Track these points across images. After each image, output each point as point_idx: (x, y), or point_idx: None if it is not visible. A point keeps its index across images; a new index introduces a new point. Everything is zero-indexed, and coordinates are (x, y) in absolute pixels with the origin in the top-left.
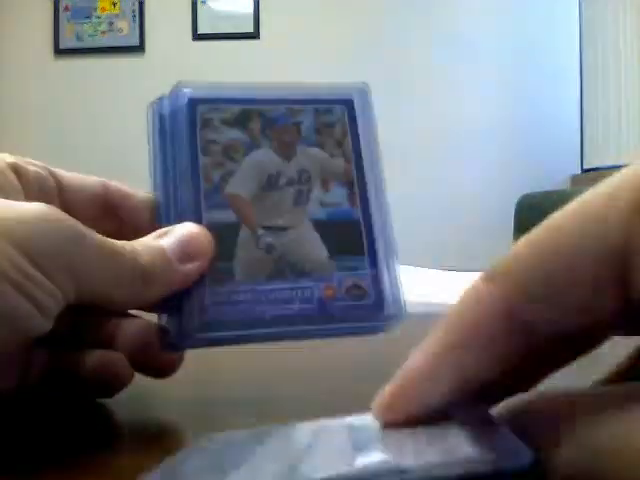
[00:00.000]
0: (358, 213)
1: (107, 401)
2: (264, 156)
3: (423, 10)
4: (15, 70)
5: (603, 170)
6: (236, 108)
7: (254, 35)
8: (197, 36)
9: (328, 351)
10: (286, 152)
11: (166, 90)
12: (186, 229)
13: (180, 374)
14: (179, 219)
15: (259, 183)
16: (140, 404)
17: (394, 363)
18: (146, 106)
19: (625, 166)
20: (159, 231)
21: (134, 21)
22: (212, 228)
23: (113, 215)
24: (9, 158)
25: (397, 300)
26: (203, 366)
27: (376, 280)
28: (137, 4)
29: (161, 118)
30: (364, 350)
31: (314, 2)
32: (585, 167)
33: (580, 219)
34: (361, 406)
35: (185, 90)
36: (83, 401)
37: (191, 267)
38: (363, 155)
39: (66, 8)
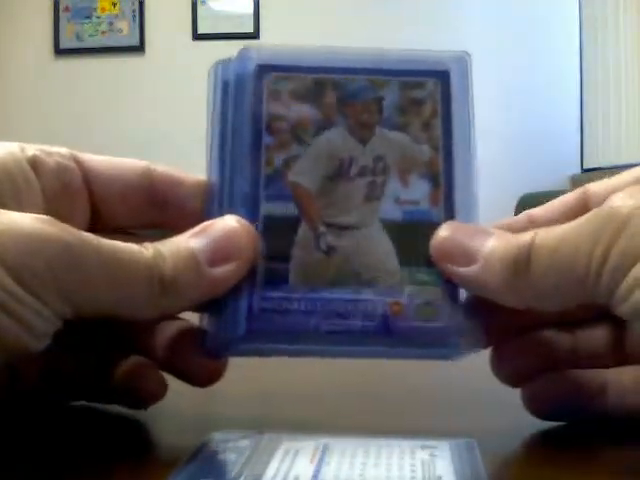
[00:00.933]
0: (440, 215)
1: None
2: (337, 138)
3: (424, 14)
4: (15, 70)
5: (603, 170)
6: (309, 78)
7: (254, 35)
8: (197, 36)
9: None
10: (363, 134)
11: (166, 90)
12: (224, 224)
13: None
14: (230, 209)
15: (327, 171)
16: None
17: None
18: (207, 70)
19: (625, 166)
20: (200, 226)
21: (134, 21)
22: (269, 222)
23: (159, 205)
24: (29, 150)
25: (473, 325)
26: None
27: (452, 299)
28: (137, 4)
29: (224, 85)
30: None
31: (314, 2)
32: (585, 167)
33: None
34: (363, 411)
35: (252, 55)
36: (79, 403)
37: (225, 270)
38: (454, 142)
39: (66, 8)
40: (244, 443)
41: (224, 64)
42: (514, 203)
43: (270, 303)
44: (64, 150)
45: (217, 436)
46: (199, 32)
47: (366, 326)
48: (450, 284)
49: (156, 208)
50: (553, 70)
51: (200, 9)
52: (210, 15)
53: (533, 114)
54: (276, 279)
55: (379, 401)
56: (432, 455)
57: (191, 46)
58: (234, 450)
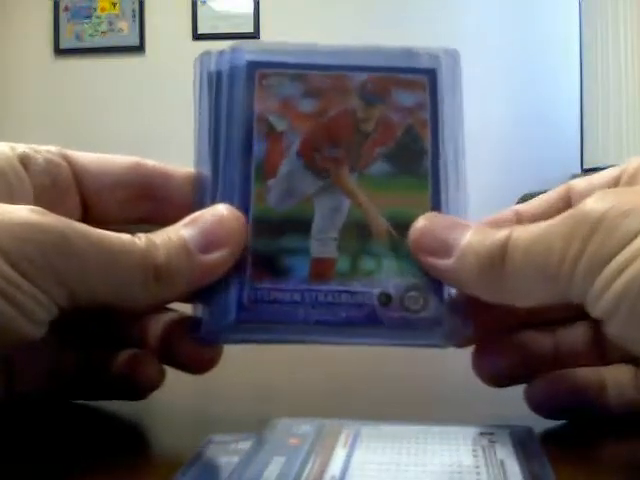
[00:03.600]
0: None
1: (104, 402)
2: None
3: (425, 11)
4: (15, 70)
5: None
6: (296, 74)
7: (254, 35)
8: (197, 36)
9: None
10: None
11: (166, 90)
12: (215, 212)
13: (179, 372)
14: (223, 201)
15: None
16: (140, 405)
17: (399, 364)
18: (193, 61)
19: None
20: (190, 216)
21: (134, 21)
22: (261, 214)
23: (149, 198)
24: (19, 147)
25: (459, 317)
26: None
27: (439, 289)
28: (137, 4)
29: (215, 77)
30: (370, 349)
31: (314, 2)
32: (585, 167)
33: None
34: (365, 407)
35: (244, 49)
36: (80, 404)
37: (216, 257)
38: (443, 142)
39: (66, 8)
40: (245, 445)
41: (210, 57)
42: (514, 203)
43: (260, 294)
44: (53, 148)
45: (217, 438)
46: (199, 32)
47: (354, 316)
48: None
49: (146, 202)
50: (553, 70)
51: (200, 9)
52: (210, 15)
53: (533, 114)
54: (266, 269)
55: (397, 392)
56: (491, 441)
57: (191, 46)
58: (235, 452)
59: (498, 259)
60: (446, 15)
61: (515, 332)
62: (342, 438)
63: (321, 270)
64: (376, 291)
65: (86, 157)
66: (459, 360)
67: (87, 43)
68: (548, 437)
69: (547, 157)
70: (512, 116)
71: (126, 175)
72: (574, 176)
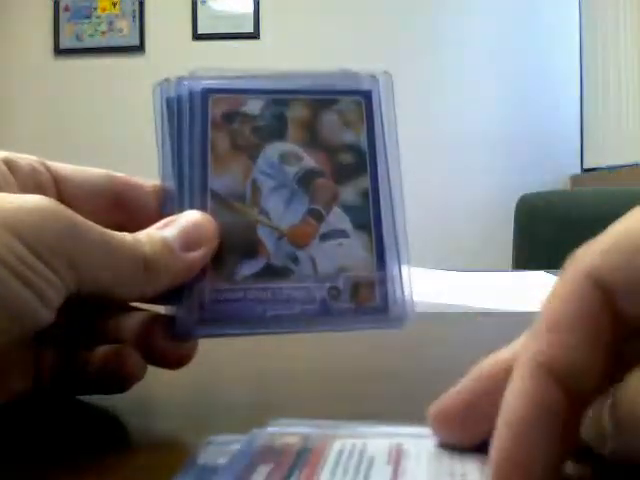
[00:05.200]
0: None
1: (105, 403)
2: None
3: (424, 12)
4: (15, 70)
5: (603, 170)
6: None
7: (254, 35)
8: (197, 36)
9: (329, 350)
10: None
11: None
12: (190, 217)
13: (178, 373)
14: (187, 206)
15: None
16: (138, 405)
17: (396, 364)
18: (151, 90)
19: (625, 166)
20: (164, 220)
21: (134, 21)
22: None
23: (121, 207)
24: (2, 153)
25: (404, 302)
26: (202, 365)
27: (383, 282)
28: (137, 4)
29: (170, 102)
30: (366, 349)
31: (314, 2)
32: (585, 167)
33: None
34: (363, 408)
35: (198, 77)
36: (80, 403)
37: (195, 255)
38: (377, 150)
39: (66, 8)
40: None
41: (166, 84)
42: (514, 203)
43: (219, 294)
44: (33, 157)
45: (216, 439)
46: (199, 32)
47: (307, 309)
48: (382, 269)
49: (118, 210)
50: (553, 70)
51: (200, 9)
52: (210, 15)
53: (533, 114)
54: (225, 270)
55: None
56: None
57: (191, 46)
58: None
59: None
60: (446, 16)
61: None
62: (336, 443)
63: (277, 269)
64: (327, 286)
65: (64, 167)
66: (460, 360)
67: (87, 43)
68: None
69: (547, 157)
70: (512, 116)
71: (100, 185)
72: (574, 176)
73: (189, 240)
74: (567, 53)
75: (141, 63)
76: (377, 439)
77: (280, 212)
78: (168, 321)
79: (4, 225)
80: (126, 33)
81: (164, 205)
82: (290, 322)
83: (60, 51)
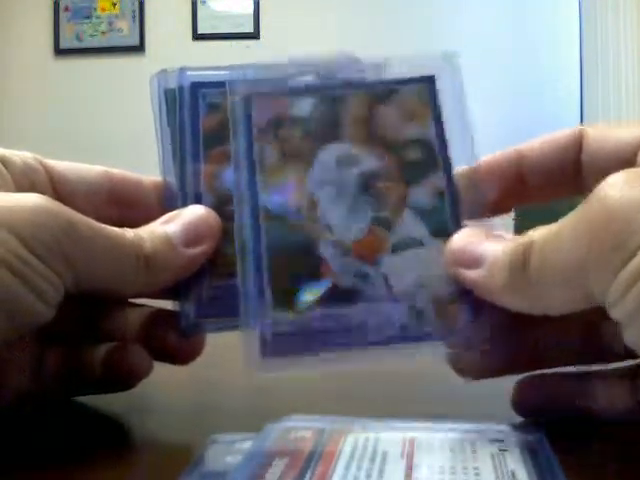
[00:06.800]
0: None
1: (107, 400)
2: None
3: (422, 10)
4: (15, 70)
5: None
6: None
7: (254, 35)
8: (197, 36)
9: None
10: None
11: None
12: (192, 211)
13: (181, 370)
14: (190, 201)
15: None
16: (139, 406)
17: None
18: (149, 81)
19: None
20: (166, 216)
21: (134, 21)
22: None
23: (119, 203)
24: None
25: (480, 324)
26: (207, 362)
27: (464, 301)
28: (137, 4)
29: (167, 94)
30: None
31: (314, 2)
32: None
33: None
34: (375, 407)
35: (189, 71)
36: (82, 402)
37: (197, 251)
38: (448, 143)
39: (66, 8)
40: (249, 444)
41: (167, 75)
42: None
43: (219, 291)
44: (28, 153)
45: (221, 438)
46: (199, 32)
47: (384, 337)
48: (463, 289)
49: (117, 207)
50: (553, 69)
51: (200, 9)
52: (210, 15)
53: (533, 113)
54: (226, 268)
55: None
56: (501, 450)
57: (191, 46)
58: (240, 452)
59: (521, 265)
60: (445, 16)
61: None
62: (349, 438)
63: (345, 290)
64: (405, 305)
65: (60, 164)
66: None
67: (87, 43)
68: (559, 440)
69: None
70: (512, 116)
71: (97, 182)
72: None
73: (192, 235)
74: (567, 52)
75: (141, 63)
76: (390, 433)
77: (343, 224)
78: (175, 316)
79: (1, 223)
80: (126, 33)
81: (166, 200)
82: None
83: (60, 51)
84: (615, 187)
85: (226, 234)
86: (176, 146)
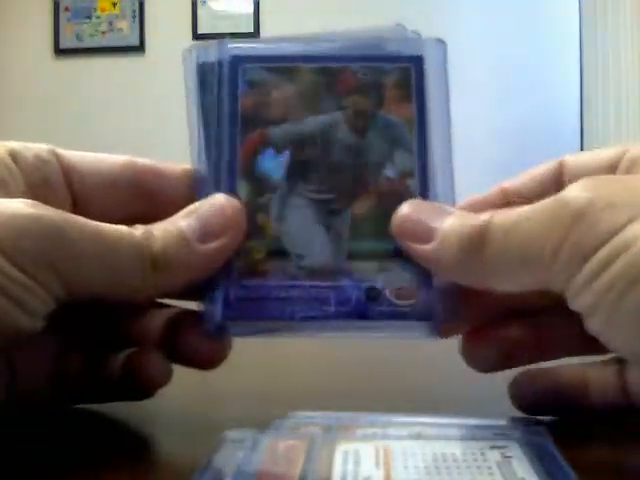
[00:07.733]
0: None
1: (109, 407)
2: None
3: (423, 11)
4: (15, 70)
5: None
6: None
7: (254, 35)
8: (197, 36)
9: (338, 344)
10: (357, 123)
11: (166, 90)
12: (211, 202)
13: (181, 371)
14: (222, 190)
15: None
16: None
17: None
18: (181, 55)
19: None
20: (187, 209)
21: (134, 21)
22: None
23: (144, 196)
24: (9, 144)
25: (448, 308)
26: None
27: (426, 283)
28: (137, 4)
29: (199, 70)
30: (383, 343)
31: (314, 2)
32: None
33: None
34: (380, 404)
35: (229, 45)
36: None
37: (215, 246)
38: (430, 128)
39: (66, 8)
40: (257, 440)
41: (200, 50)
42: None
43: (246, 291)
44: (45, 146)
45: (231, 435)
46: (199, 32)
47: (341, 311)
48: (424, 269)
49: (141, 200)
50: (553, 70)
51: (200, 9)
52: (210, 15)
53: (533, 114)
54: (253, 266)
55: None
56: (506, 457)
57: None
58: (249, 448)
59: (478, 243)
60: (445, 16)
61: (502, 322)
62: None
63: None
64: (364, 286)
65: (77, 156)
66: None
67: (87, 43)
68: (559, 435)
69: (547, 157)
70: (511, 116)
71: (118, 174)
72: None
73: (209, 229)
74: (567, 50)
75: (141, 63)
76: (397, 428)
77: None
78: (200, 317)
79: None
80: (126, 33)
81: (197, 189)
82: (321, 325)
83: (60, 51)
84: (586, 185)
85: (258, 227)
86: (210, 128)
